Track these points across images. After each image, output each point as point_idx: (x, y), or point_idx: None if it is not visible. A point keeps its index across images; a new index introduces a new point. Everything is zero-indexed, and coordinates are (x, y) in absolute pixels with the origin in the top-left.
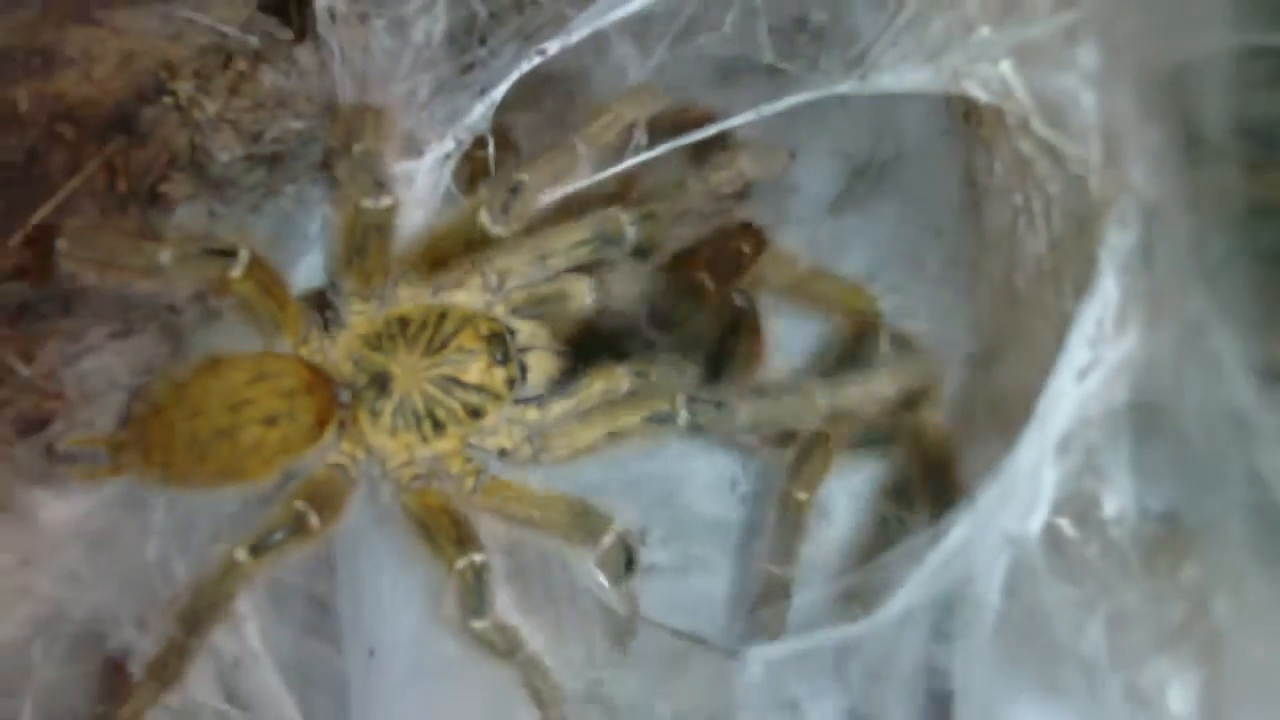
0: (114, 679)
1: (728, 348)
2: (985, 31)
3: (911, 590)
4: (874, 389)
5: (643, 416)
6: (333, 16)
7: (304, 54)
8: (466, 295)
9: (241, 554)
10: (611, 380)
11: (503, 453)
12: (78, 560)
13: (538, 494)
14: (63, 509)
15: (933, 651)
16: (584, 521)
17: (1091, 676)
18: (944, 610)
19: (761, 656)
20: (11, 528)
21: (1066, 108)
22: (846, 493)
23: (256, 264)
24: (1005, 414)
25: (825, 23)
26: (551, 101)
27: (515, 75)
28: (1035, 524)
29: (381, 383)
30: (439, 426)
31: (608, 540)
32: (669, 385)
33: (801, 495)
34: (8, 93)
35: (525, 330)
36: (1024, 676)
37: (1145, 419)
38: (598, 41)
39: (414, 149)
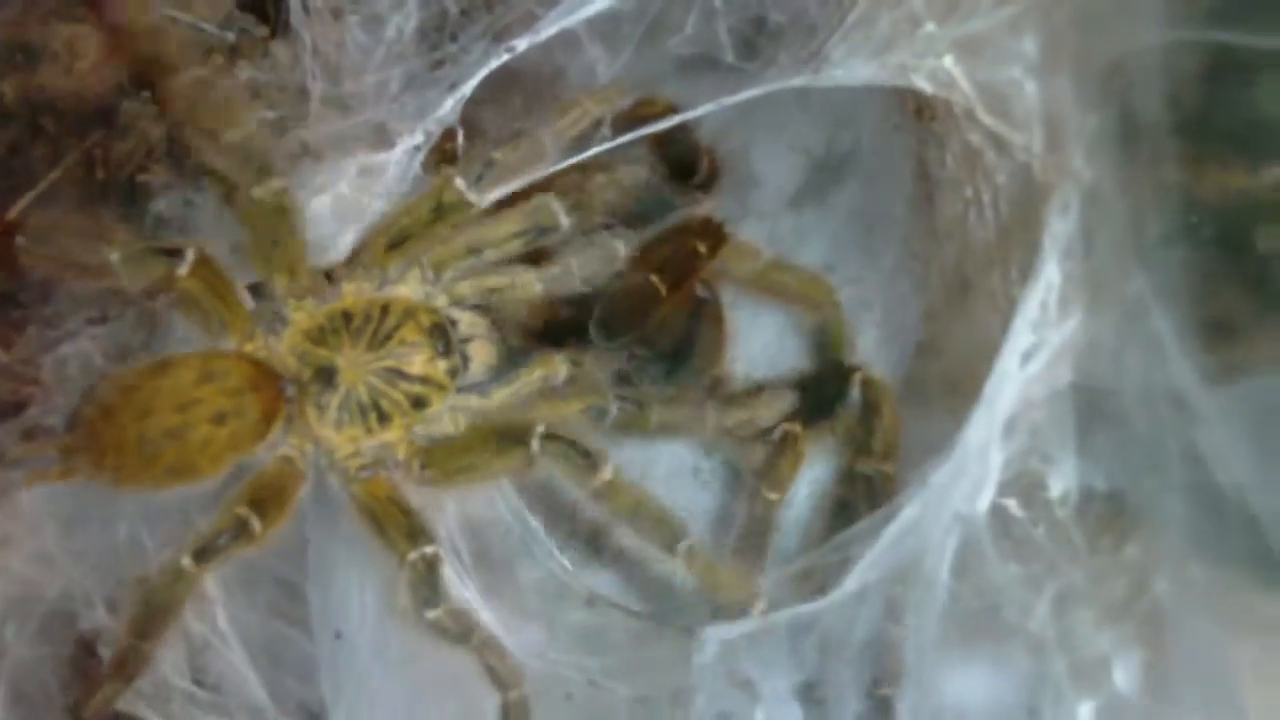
0: (85, 660)
1: (691, 337)
2: (930, 27)
3: (865, 568)
4: (756, 416)
5: (579, 409)
6: (307, 11)
7: (279, 49)
8: (408, 288)
9: (187, 561)
10: (550, 367)
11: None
12: (50, 541)
13: (465, 435)
14: (38, 490)
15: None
16: (510, 433)
17: (1039, 653)
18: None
19: (718, 637)
20: None
21: (1010, 97)
22: (807, 479)
23: (203, 263)
24: (956, 396)
25: (783, 23)
26: (520, 97)
27: (485, 71)
28: (983, 504)
29: (327, 376)
30: (384, 418)
31: (536, 445)
32: (601, 380)
33: (772, 496)
34: None
35: (466, 320)
36: (973, 653)
37: (1088, 400)
38: (567, 40)
39: (385, 141)
